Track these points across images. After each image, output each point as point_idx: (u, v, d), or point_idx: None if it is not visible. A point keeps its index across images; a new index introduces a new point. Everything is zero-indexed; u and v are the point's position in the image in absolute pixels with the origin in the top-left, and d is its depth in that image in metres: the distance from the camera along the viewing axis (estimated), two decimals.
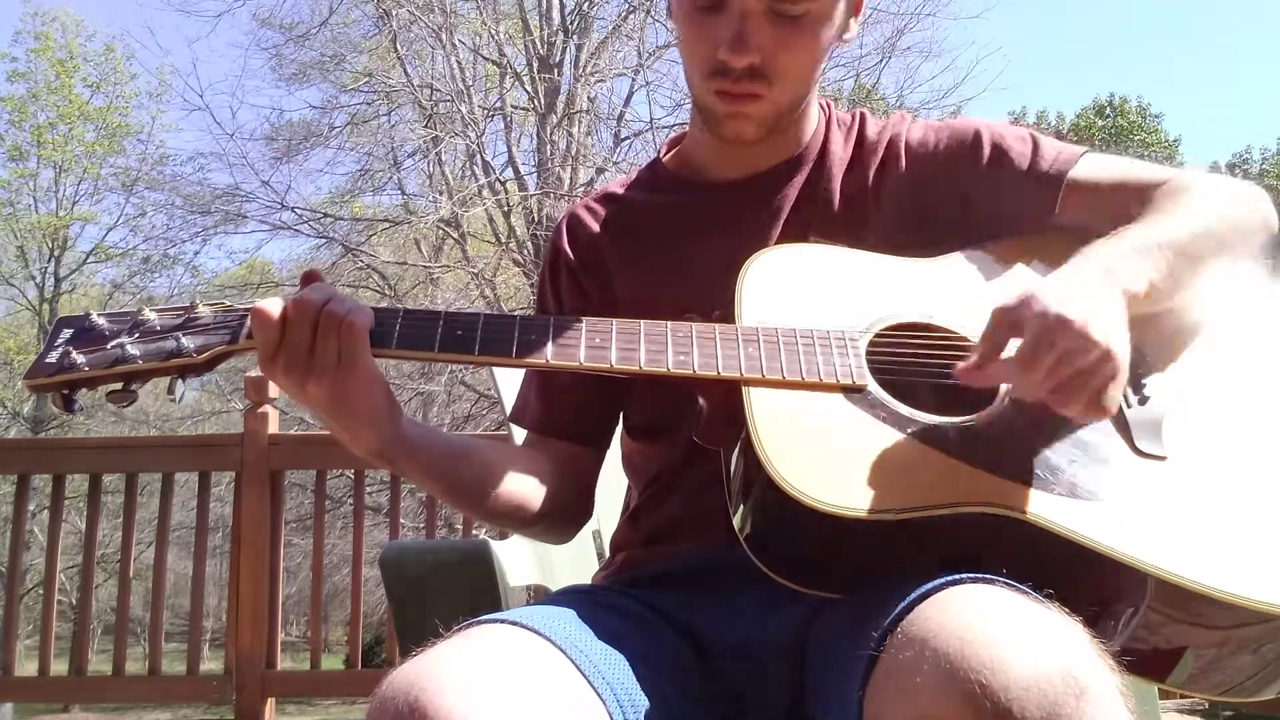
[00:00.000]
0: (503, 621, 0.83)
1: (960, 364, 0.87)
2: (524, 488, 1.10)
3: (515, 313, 1.05)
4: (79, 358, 0.89)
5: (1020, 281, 1.01)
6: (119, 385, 0.91)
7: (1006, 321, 0.86)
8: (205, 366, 0.92)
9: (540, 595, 1.27)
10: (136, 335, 0.92)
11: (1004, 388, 0.93)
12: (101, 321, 0.93)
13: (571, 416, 1.18)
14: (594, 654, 0.83)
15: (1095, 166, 1.10)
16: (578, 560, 1.69)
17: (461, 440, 1.09)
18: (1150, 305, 0.96)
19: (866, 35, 11.37)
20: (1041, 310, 0.83)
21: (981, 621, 0.68)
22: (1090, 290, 0.88)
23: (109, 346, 0.90)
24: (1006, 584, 0.74)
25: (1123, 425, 0.92)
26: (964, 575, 0.75)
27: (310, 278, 0.93)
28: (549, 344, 0.94)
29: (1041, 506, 0.84)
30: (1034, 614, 0.71)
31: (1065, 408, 0.84)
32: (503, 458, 1.10)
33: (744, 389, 0.90)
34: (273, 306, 0.89)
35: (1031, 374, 0.83)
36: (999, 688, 0.63)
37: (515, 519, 1.11)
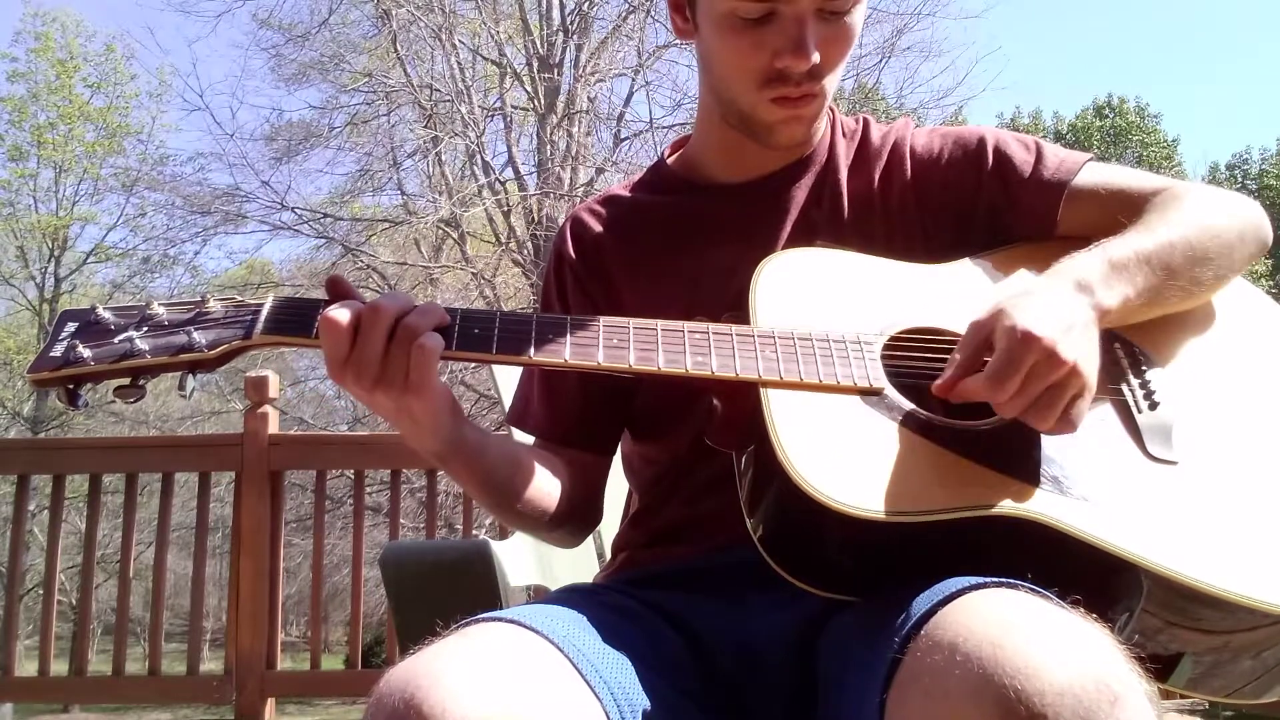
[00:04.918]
0: (500, 620, 0.83)
1: (938, 380, 0.89)
2: (549, 491, 1.10)
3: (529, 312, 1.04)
4: (85, 352, 0.87)
5: (996, 292, 1.02)
6: (126, 380, 0.89)
7: (980, 337, 0.88)
8: (217, 362, 0.89)
9: (540, 596, 1.27)
10: (145, 330, 0.89)
11: None
12: (108, 315, 0.90)
13: (579, 422, 1.17)
14: (592, 653, 0.83)
15: (1097, 175, 1.10)
16: (578, 560, 1.68)
17: (508, 446, 1.10)
18: (1126, 319, 0.97)
19: (866, 35, 11.37)
20: (1011, 326, 0.85)
21: (1014, 627, 0.68)
22: (1062, 305, 0.89)
23: (116, 341, 0.88)
24: (1030, 589, 0.74)
25: (1134, 430, 0.93)
26: (987, 579, 0.75)
27: (334, 283, 0.91)
28: (567, 343, 0.93)
29: (1057, 509, 0.84)
30: (1064, 620, 0.71)
31: (1039, 424, 0.86)
32: (531, 463, 1.10)
33: (762, 391, 0.90)
34: (341, 315, 0.86)
35: (1001, 392, 0.85)
36: (1034, 693, 0.63)
37: (538, 522, 1.11)
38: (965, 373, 0.88)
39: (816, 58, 1.02)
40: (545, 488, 1.10)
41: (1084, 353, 0.86)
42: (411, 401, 0.90)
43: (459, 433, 0.97)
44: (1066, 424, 0.86)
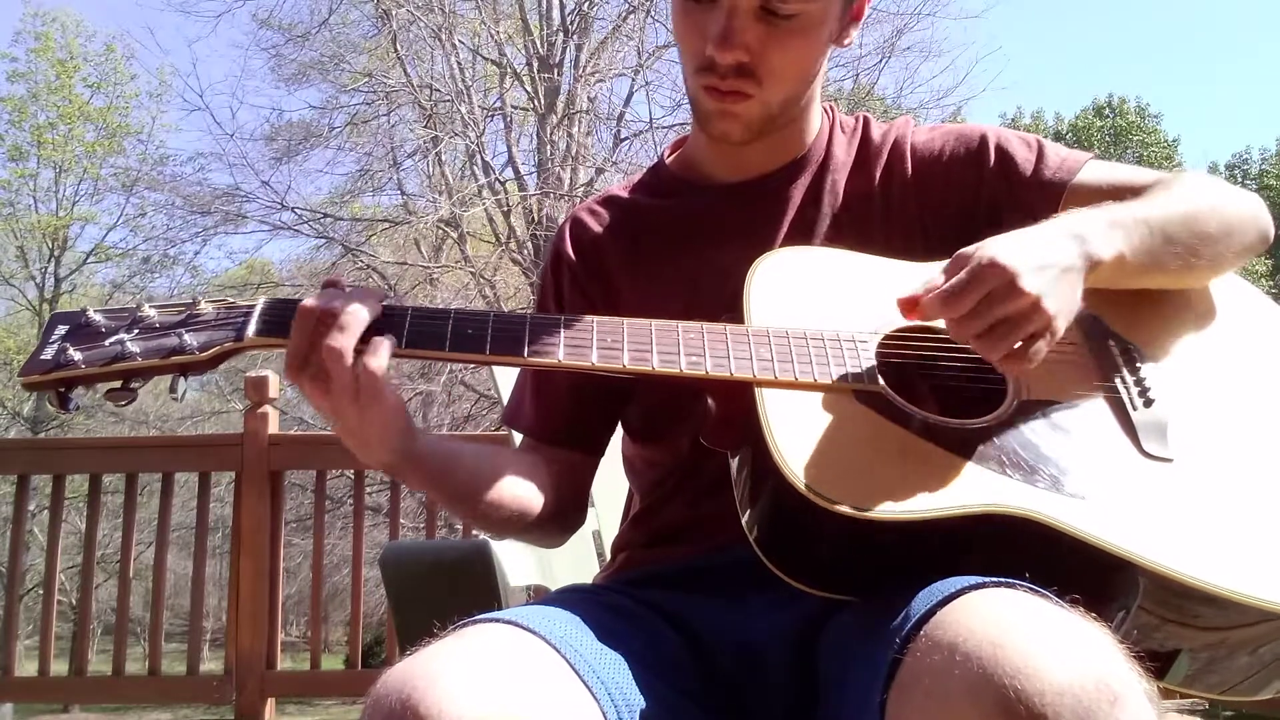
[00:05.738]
0: (498, 620, 0.83)
1: (902, 293, 0.89)
2: (523, 495, 1.10)
3: (523, 312, 1.04)
4: (76, 355, 0.87)
5: None
6: (118, 384, 0.89)
7: (956, 264, 0.88)
8: (208, 364, 0.89)
9: (540, 596, 1.27)
10: (136, 332, 0.89)
11: (1011, 392, 0.93)
12: (99, 318, 0.90)
13: (568, 422, 1.17)
14: (589, 653, 0.83)
15: (1099, 173, 1.10)
16: (578, 561, 1.69)
17: (464, 449, 1.08)
18: (1121, 278, 0.97)
19: (866, 35, 11.37)
20: (978, 253, 0.86)
21: (1014, 627, 0.68)
22: (1048, 248, 0.89)
23: (107, 343, 0.88)
24: (1029, 588, 0.74)
25: (1129, 428, 0.93)
26: (986, 579, 0.75)
27: (331, 286, 0.91)
28: (560, 344, 0.93)
29: (1053, 507, 0.84)
30: (1064, 620, 0.71)
31: (985, 353, 0.87)
32: (503, 465, 1.10)
33: (756, 391, 0.90)
34: (315, 304, 0.87)
35: (951, 310, 0.86)
36: (1034, 693, 0.63)
37: (514, 525, 1.11)
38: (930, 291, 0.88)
39: (744, 56, 1.01)
40: (517, 491, 1.09)
41: (1053, 292, 0.86)
42: (364, 414, 0.89)
43: (410, 445, 0.96)
44: (1019, 360, 0.86)
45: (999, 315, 0.85)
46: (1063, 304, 0.87)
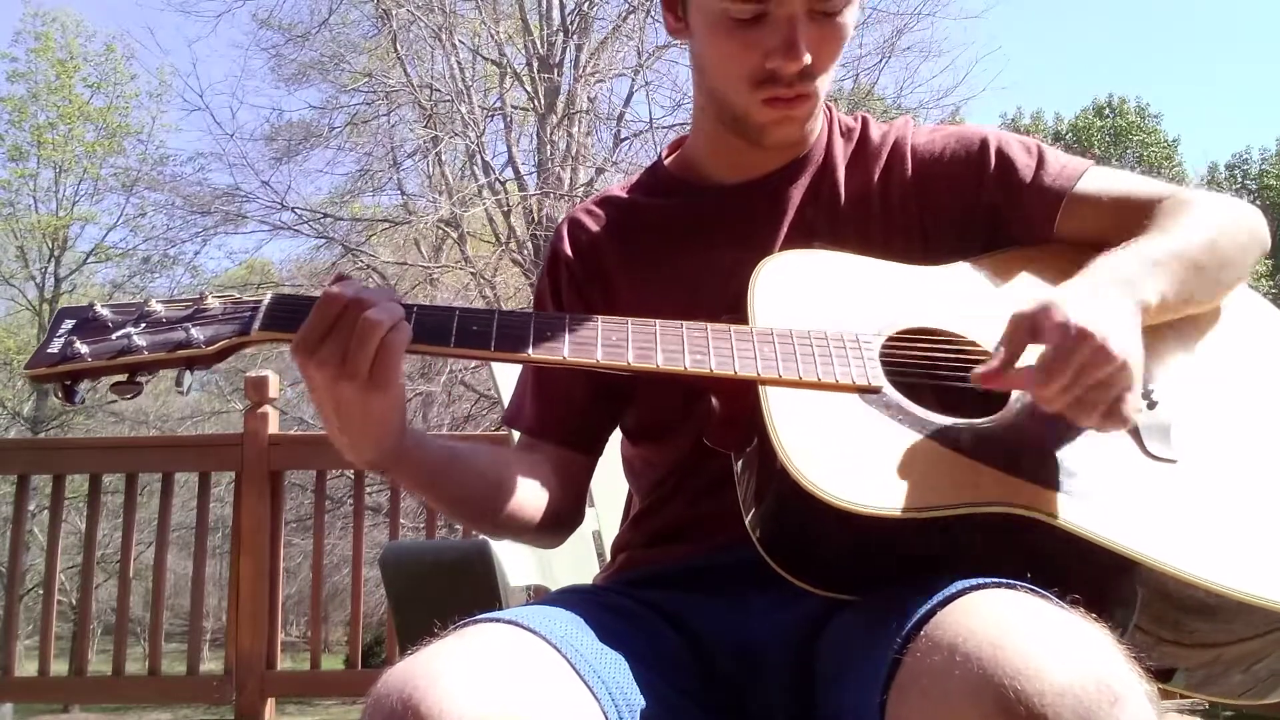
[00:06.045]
0: (498, 620, 0.83)
1: (978, 368, 0.88)
2: (519, 497, 1.09)
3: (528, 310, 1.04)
4: (82, 348, 0.87)
5: (1037, 289, 1.01)
6: (124, 377, 0.89)
7: (1025, 327, 0.87)
8: (215, 358, 0.89)
9: (540, 596, 1.27)
10: (143, 326, 0.89)
11: (1015, 391, 0.93)
12: (105, 312, 0.90)
13: (567, 421, 1.17)
14: (590, 653, 0.83)
15: (1099, 181, 1.10)
16: (578, 561, 1.69)
17: (457, 450, 1.07)
18: (1160, 316, 0.97)
19: (866, 35, 11.37)
20: (1063, 321, 0.84)
21: (1014, 627, 0.68)
22: (1110, 302, 0.89)
23: (114, 337, 0.88)
24: (1029, 589, 0.74)
25: (1133, 429, 0.93)
26: (986, 580, 0.75)
27: (344, 280, 0.91)
28: (565, 341, 0.93)
29: (1056, 507, 0.84)
30: (1065, 621, 0.71)
31: (1083, 419, 0.85)
32: (498, 466, 1.09)
33: (761, 390, 0.90)
34: (342, 290, 0.87)
35: (1050, 385, 0.84)
36: (1034, 693, 0.63)
37: (509, 528, 1.11)
38: (1008, 362, 0.87)
39: (808, 59, 1.02)
40: (516, 492, 1.09)
41: (1133, 350, 0.86)
42: (370, 399, 0.89)
43: (401, 441, 0.96)
44: (1118, 419, 0.85)
45: (1092, 382, 0.84)
46: (1139, 358, 0.87)
